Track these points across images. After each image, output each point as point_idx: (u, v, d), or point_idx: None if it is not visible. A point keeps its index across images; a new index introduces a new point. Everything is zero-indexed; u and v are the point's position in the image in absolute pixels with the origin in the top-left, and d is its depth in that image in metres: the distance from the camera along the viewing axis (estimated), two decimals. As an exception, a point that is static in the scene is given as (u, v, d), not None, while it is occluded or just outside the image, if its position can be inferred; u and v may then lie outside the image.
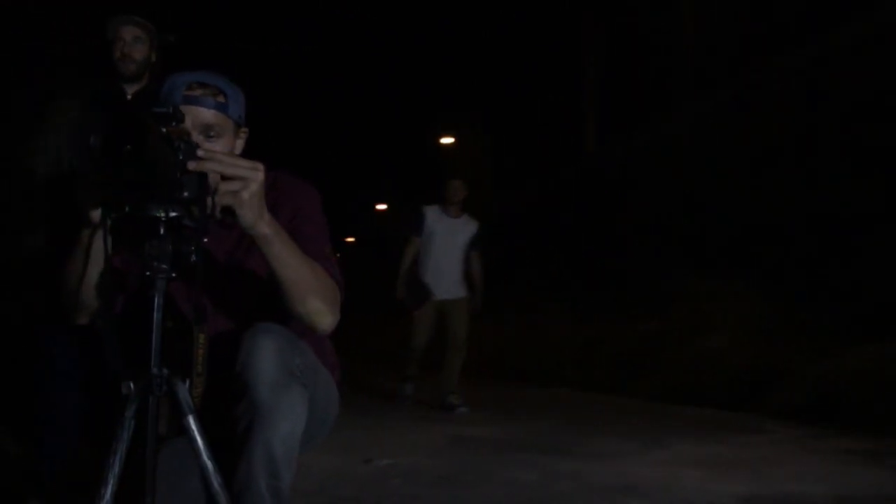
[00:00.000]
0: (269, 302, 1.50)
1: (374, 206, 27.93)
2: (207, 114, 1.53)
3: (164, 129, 1.25)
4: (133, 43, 2.88)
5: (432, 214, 5.85)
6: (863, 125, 7.29)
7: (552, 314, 10.10)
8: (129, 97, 2.91)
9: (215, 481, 1.28)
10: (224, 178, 1.32)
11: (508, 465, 3.32)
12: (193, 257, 1.29)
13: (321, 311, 1.48)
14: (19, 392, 2.88)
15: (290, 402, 1.41)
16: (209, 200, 1.31)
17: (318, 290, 1.47)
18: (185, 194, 1.28)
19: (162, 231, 1.27)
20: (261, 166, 1.34)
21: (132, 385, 1.24)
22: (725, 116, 9.46)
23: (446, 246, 5.78)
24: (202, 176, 1.30)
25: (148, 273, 1.26)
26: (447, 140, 20.43)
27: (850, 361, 5.39)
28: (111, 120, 1.19)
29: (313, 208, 1.66)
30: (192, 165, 1.28)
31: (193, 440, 1.27)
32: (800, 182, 7.73)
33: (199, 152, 1.30)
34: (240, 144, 1.63)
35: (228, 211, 1.33)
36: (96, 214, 1.34)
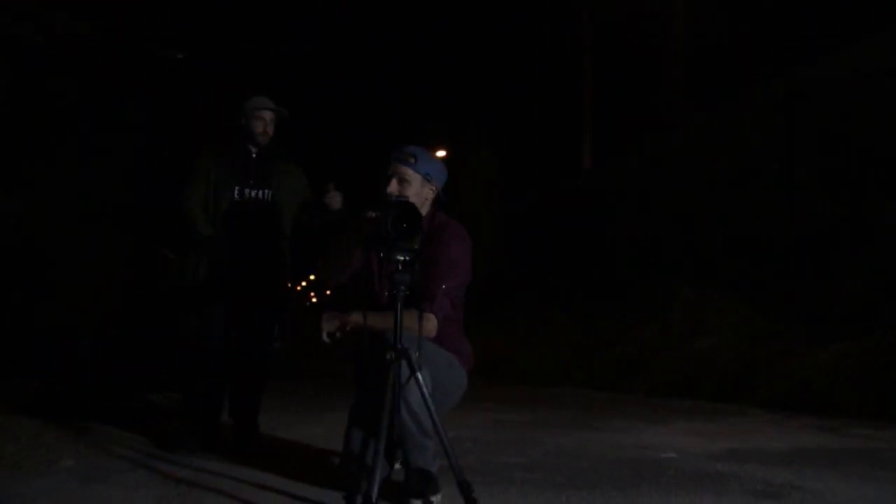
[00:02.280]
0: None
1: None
2: (403, 168, 2.49)
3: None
4: (270, 123, 3.87)
5: None
6: (831, 152, 8.33)
7: (557, 322, 11.03)
8: (253, 156, 3.87)
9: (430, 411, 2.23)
10: None
11: (549, 436, 4.24)
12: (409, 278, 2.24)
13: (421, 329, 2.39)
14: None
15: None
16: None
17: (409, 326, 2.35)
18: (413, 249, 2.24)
19: (400, 267, 2.21)
20: None
21: (392, 354, 2.18)
22: (712, 140, 10.48)
23: None
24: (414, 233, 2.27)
25: (395, 291, 2.19)
26: (441, 153, 21.47)
27: (819, 358, 6.36)
28: (401, 209, 2.14)
29: (453, 252, 2.58)
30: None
31: (420, 385, 2.22)
32: (778, 201, 8.74)
33: None
34: (426, 192, 2.58)
35: None
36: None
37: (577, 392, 8.01)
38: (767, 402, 6.07)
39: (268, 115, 3.90)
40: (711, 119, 10.83)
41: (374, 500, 2.09)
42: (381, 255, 2.33)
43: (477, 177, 16.25)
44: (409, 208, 2.25)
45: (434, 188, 2.61)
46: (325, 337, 2.43)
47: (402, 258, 2.22)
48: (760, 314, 7.55)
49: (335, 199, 3.83)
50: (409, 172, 2.56)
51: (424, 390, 2.25)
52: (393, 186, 2.52)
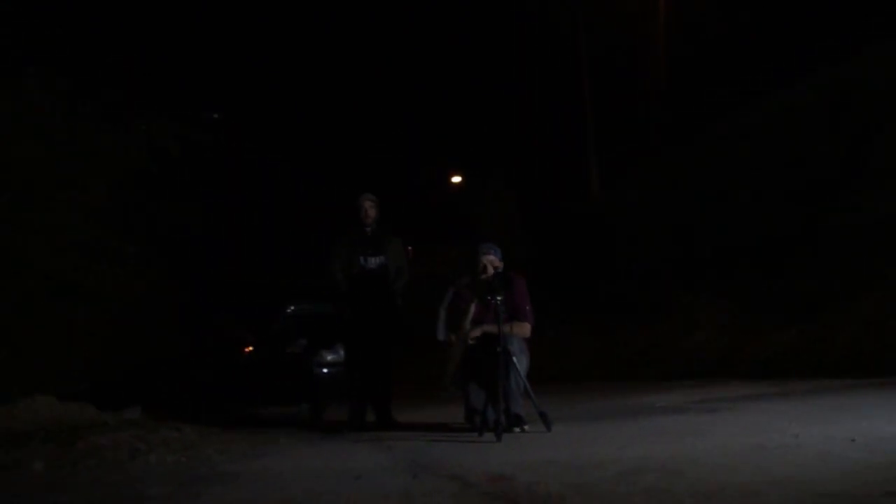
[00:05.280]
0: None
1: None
2: (491, 257, 4.52)
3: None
4: (371, 208, 5.88)
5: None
6: (796, 173, 10.35)
7: (577, 329, 12.98)
8: (367, 232, 5.89)
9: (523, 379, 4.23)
10: None
11: (580, 403, 6.18)
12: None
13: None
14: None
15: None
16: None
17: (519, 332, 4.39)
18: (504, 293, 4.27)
19: (498, 300, 4.23)
20: None
21: (501, 347, 4.19)
22: (696, 166, 12.49)
23: None
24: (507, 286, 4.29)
25: (498, 314, 4.21)
26: (456, 179, 23.65)
27: (785, 341, 8.30)
28: (498, 275, 4.16)
29: (523, 290, 4.60)
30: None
31: (515, 364, 4.23)
32: (751, 214, 10.73)
33: None
34: (499, 263, 4.61)
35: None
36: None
37: (599, 385, 9.93)
38: (745, 375, 7.99)
39: (367, 202, 5.93)
40: (696, 146, 12.86)
41: (491, 423, 4.08)
42: (489, 297, 4.36)
43: (495, 207, 18.14)
44: (502, 275, 4.29)
45: (501, 261, 4.64)
46: (471, 340, 4.46)
47: (500, 298, 4.24)
48: (739, 308, 9.49)
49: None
50: (495, 258, 4.60)
51: (518, 367, 4.25)
52: (489, 269, 4.55)
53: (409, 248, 26.14)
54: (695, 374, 8.91)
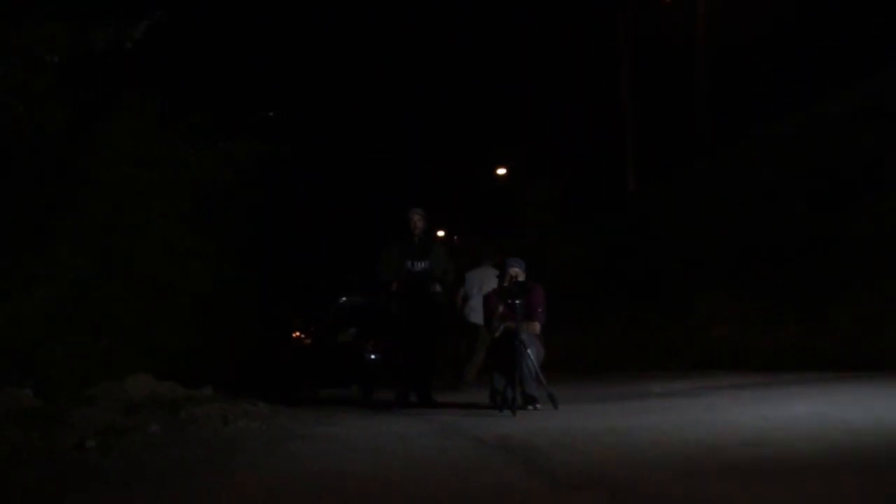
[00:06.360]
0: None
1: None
2: (516, 270, 5.56)
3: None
4: (419, 220, 6.95)
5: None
6: (820, 181, 11.08)
7: (609, 324, 13.87)
8: (415, 240, 6.96)
9: (535, 366, 5.27)
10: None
11: (599, 388, 7.15)
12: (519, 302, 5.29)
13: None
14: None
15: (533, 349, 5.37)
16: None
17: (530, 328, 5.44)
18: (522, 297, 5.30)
19: (518, 302, 5.26)
20: None
21: (518, 341, 5.22)
22: (722, 174, 13.24)
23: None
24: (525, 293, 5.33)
25: (517, 313, 5.24)
26: (501, 171, 24.69)
27: (791, 336, 9.10)
28: (517, 284, 5.19)
29: (539, 296, 5.63)
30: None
31: (529, 354, 5.26)
32: (776, 219, 11.48)
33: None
34: (522, 273, 5.64)
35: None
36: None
37: (630, 374, 10.86)
38: (753, 368, 8.83)
39: (416, 216, 7.00)
40: (722, 156, 13.60)
41: (514, 402, 5.12)
42: (509, 301, 5.39)
43: (540, 205, 19.08)
44: (522, 284, 5.32)
45: (524, 272, 5.66)
46: (497, 333, 5.51)
47: (518, 301, 5.27)
48: (755, 306, 10.29)
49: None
50: (518, 271, 5.62)
51: (532, 356, 5.27)
52: (512, 277, 5.57)
53: (455, 237, 27.11)
54: (711, 366, 9.76)
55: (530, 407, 5.41)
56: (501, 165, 25.20)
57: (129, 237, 7.85)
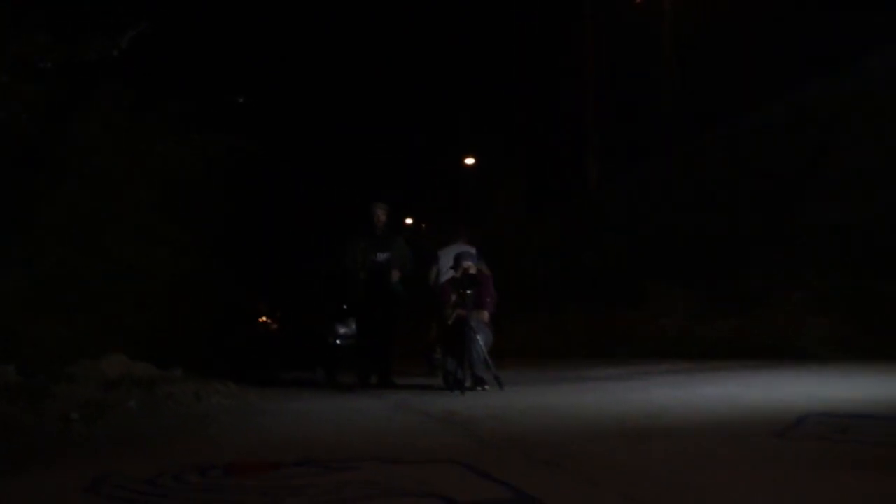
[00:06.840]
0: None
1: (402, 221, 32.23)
2: (468, 263, 6.11)
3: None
4: (382, 214, 7.46)
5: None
6: (764, 182, 11.80)
7: (566, 312, 14.53)
8: (378, 234, 7.47)
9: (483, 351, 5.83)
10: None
11: (547, 374, 7.74)
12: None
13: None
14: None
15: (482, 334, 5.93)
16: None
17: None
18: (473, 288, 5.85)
19: (469, 292, 5.81)
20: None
21: (469, 327, 5.77)
22: (680, 171, 13.94)
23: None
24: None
25: (467, 302, 5.78)
26: (469, 160, 25.30)
27: (727, 328, 9.81)
28: (469, 276, 5.73)
29: (490, 287, 6.18)
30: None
31: (478, 339, 5.82)
32: (724, 215, 12.20)
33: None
34: (475, 265, 6.19)
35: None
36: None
37: (564, 361, 11.50)
38: (691, 356, 9.51)
39: (379, 210, 7.51)
40: (686, 152, 14.31)
41: (463, 382, 5.66)
42: (461, 291, 5.92)
43: (504, 195, 19.70)
44: (473, 276, 5.86)
45: (475, 264, 6.19)
46: (450, 321, 6.04)
47: (469, 291, 5.81)
48: (698, 298, 10.99)
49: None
50: (470, 264, 6.15)
51: (480, 341, 5.82)
52: (464, 270, 6.10)
53: (423, 224, 27.63)
54: (657, 354, 10.44)
55: (479, 388, 5.97)
56: (469, 155, 25.82)
57: (104, 224, 8.22)
